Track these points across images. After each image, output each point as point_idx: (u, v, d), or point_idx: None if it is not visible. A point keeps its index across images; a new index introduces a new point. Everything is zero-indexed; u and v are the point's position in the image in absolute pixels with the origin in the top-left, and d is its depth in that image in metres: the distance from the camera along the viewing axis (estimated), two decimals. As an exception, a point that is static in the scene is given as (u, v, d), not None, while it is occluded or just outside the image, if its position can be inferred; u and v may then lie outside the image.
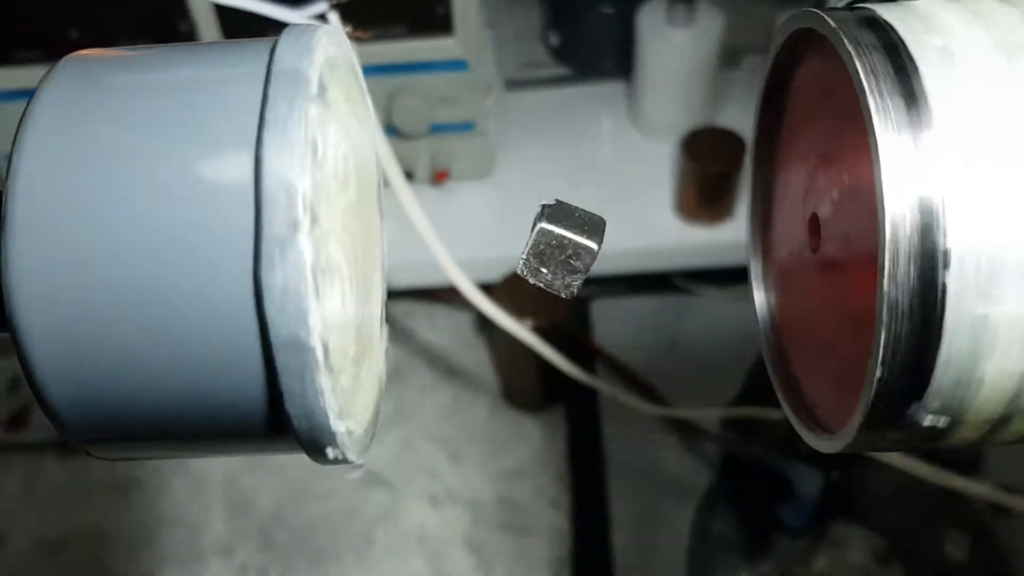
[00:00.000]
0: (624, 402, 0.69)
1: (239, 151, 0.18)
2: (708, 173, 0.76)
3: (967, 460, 0.62)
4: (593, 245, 0.22)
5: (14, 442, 0.82)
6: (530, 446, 0.81)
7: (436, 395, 0.85)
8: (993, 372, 0.19)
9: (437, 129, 0.77)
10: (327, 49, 0.20)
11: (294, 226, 0.18)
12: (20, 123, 0.19)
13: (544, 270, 0.23)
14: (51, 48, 0.72)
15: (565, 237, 0.22)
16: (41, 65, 0.72)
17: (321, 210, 0.19)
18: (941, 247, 0.19)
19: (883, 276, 0.19)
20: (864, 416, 0.20)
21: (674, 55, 0.79)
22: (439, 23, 0.72)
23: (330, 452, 0.20)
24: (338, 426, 0.19)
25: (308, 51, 0.19)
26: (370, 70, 0.78)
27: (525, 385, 0.82)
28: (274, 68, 0.19)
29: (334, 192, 0.21)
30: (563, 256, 0.23)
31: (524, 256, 0.23)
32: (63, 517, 0.80)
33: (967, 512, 0.64)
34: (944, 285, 0.19)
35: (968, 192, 0.19)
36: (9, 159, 0.19)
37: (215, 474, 0.80)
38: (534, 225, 0.23)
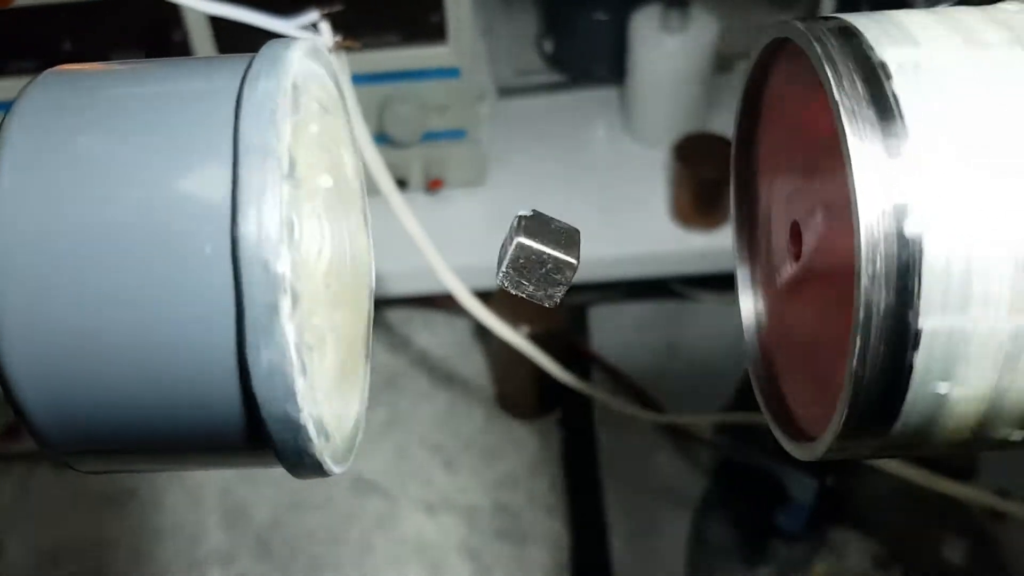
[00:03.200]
0: (619, 409, 0.69)
1: (214, 166, 0.19)
2: (701, 178, 0.76)
3: (962, 466, 0.62)
4: (572, 260, 0.22)
5: (10, 452, 0.82)
6: (524, 453, 0.81)
7: (432, 402, 0.85)
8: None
9: (429, 137, 0.77)
10: (302, 66, 0.20)
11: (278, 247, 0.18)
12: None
13: (525, 282, 0.23)
14: (45, 59, 0.72)
15: (544, 252, 0.22)
16: (35, 76, 0.72)
17: (302, 228, 0.19)
18: (916, 255, 0.19)
19: (859, 285, 0.19)
20: (848, 402, 0.20)
21: (668, 61, 0.79)
22: (433, 31, 0.72)
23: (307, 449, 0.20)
24: (318, 439, 0.19)
25: (282, 68, 0.19)
26: (362, 79, 0.78)
27: (521, 392, 0.82)
28: (246, 88, 0.19)
29: (313, 213, 0.21)
30: (543, 270, 0.22)
31: (504, 269, 0.23)
32: (59, 528, 0.80)
33: (965, 517, 0.64)
34: (919, 295, 0.19)
35: (942, 199, 0.19)
36: None
37: (211, 484, 0.80)
38: (511, 238, 0.23)
